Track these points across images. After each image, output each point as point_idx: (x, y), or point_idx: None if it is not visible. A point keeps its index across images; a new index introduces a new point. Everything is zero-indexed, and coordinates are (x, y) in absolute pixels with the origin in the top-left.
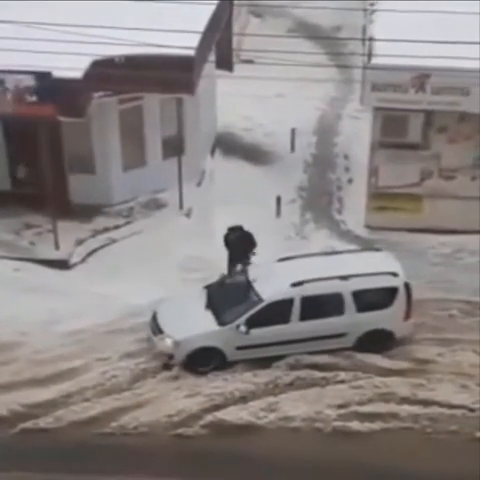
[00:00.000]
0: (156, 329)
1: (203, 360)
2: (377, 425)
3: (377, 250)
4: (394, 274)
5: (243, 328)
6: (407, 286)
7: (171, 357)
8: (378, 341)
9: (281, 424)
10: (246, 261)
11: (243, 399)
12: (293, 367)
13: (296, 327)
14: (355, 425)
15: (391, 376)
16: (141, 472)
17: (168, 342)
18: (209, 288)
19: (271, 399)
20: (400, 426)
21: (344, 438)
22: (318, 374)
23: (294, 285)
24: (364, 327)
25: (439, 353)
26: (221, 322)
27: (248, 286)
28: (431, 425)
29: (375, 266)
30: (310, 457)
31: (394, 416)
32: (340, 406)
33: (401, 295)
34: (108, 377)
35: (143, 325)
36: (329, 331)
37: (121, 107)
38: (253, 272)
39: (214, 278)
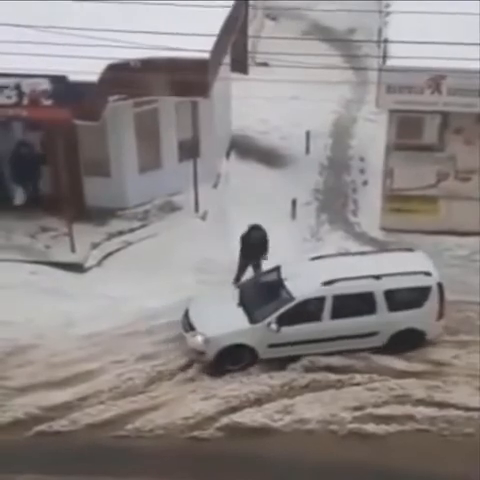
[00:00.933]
0: (188, 326)
1: (234, 358)
2: (393, 427)
3: (410, 250)
4: (427, 273)
5: (274, 326)
6: (440, 286)
7: (202, 354)
8: (409, 341)
9: (296, 426)
10: (258, 263)
11: (258, 401)
12: (308, 369)
13: (327, 325)
14: (371, 427)
15: (407, 378)
16: (156, 474)
17: (199, 339)
18: (241, 286)
19: (286, 401)
20: (416, 428)
21: (359, 440)
22: (333, 376)
23: (326, 284)
24: (396, 326)
25: (455, 355)
26: (253, 320)
27: (280, 284)
28: (447, 428)
29: (408, 265)
30: (325, 459)
31: (410, 418)
32: (355, 408)
33: (434, 295)
34: (124, 379)
35: (159, 327)
36: (360, 330)
37: (136, 110)
38: (285, 270)
39: (230, 281)
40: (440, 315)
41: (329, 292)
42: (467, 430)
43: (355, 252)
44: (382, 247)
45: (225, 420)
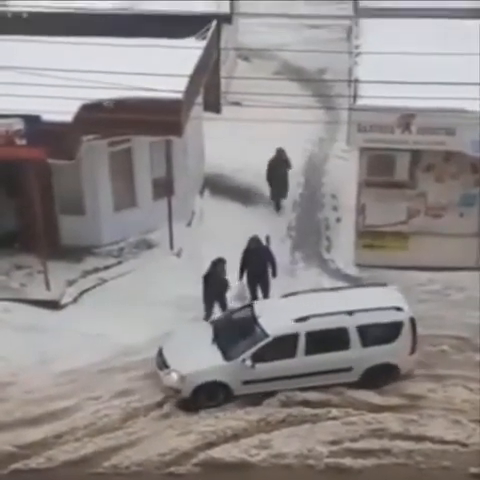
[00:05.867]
0: (162, 364)
1: (210, 394)
2: (370, 461)
3: (382, 285)
4: (399, 309)
5: (249, 363)
6: (412, 321)
7: (177, 392)
8: (383, 375)
9: (274, 461)
10: (223, 301)
11: (235, 437)
12: (285, 404)
13: (302, 362)
14: (348, 461)
15: (383, 412)
16: None
17: (174, 377)
18: (215, 323)
19: (263, 436)
20: (393, 462)
21: (337, 475)
22: (309, 411)
23: (299, 320)
24: (369, 361)
25: (430, 389)
26: (227, 357)
27: (253, 321)
28: (424, 461)
29: (380, 301)
30: None
31: (387, 452)
32: (332, 442)
33: (406, 329)
34: (100, 416)
35: (135, 364)
36: (335, 365)
37: (111, 149)
38: (258, 307)
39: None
40: (413, 349)
41: (302, 328)
42: (444, 463)
43: (327, 288)
44: (356, 283)
45: (202, 456)
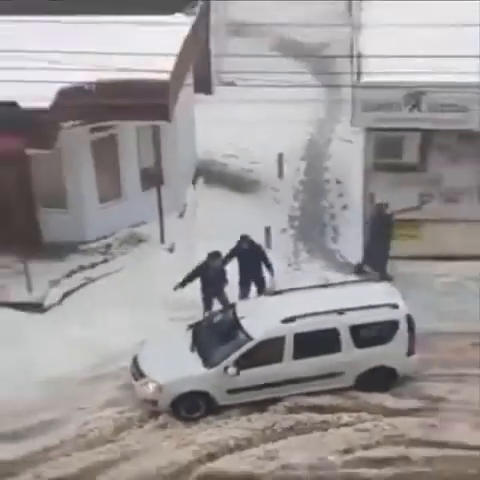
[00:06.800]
0: (137, 374)
1: (190, 406)
2: (387, 471)
3: (375, 281)
4: (394, 306)
5: (232, 370)
6: (409, 319)
7: (155, 403)
8: (380, 379)
9: (281, 474)
10: (223, 296)
11: (239, 447)
12: (292, 410)
13: (290, 367)
14: (363, 472)
15: (399, 416)
16: None
17: (150, 387)
18: (194, 327)
19: (269, 446)
20: (413, 471)
21: None
22: (319, 417)
23: (285, 321)
24: (364, 365)
25: (451, 390)
26: (208, 364)
27: (236, 324)
28: (448, 469)
29: (373, 298)
30: None
31: (405, 460)
32: (345, 451)
33: (402, 329)
34: (90, 428)
35: (126, 370)
36: (326, 370)
37: (93, 137)
38: (241, 308)
39: (199, 317)
40: (411, 350)
41: (289, 330)
42: (470, 471)
43: (316, 285)
44: (367, 277)
45: (203, 469)
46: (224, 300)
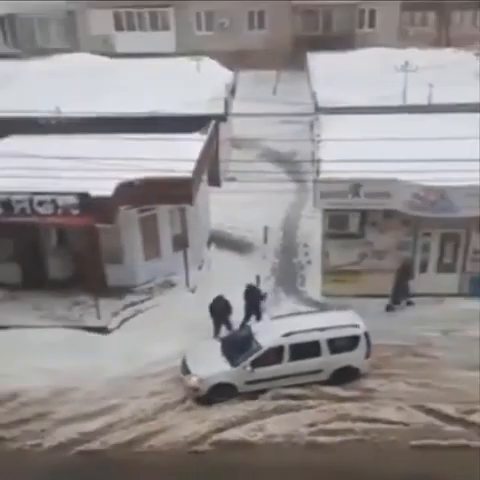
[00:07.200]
0: (185, 370)
1: (220, 392)
2: (338, 438)
3: (344, 310)
4: (357, 326)
5: (249, 368)
6: (366, 334)
7: (197, 390)
8: (347, 375)
9: (267, 440)
10: (228, 323)
11: (239, 423)
12: (275, 398)
13: (286, 366)
14: (322, 439)
15: (346, 402)
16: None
17: (194, 379)
18: (223, 339)
19: (259, 422)
20: (355, 438)
21: (314, 449)
22: (293, 402)
23: (285, 336)
24: (336, 365)
25: (380, 384)
26: (233, 364)
27: (251, 337)
28: (377, 437)
29: (343, 320)
30: (289, 464)
31: (350, 431)
32: (310, 425)
33: (362, 341)
34: (140, 410)
35: (164, 371)
36: (310, 368)
37: (141, 215)
38: (254, 327)
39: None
40: (368, 355)
41: (287, 342)
42: (391, 438)
43: (304, 312)
44: (323, 308)
45: (215, 437)
46: (229, 325)
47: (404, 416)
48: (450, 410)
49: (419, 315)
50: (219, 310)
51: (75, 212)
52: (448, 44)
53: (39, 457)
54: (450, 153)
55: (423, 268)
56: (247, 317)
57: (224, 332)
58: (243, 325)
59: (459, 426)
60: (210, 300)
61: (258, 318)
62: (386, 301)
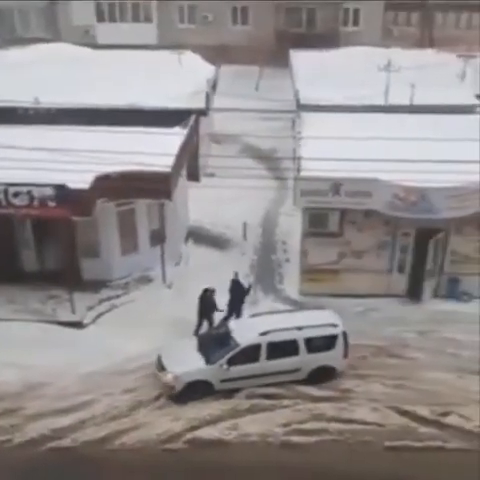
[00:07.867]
0: (160, 367)
1: (196, 390)
2: (313, 438)
3: (322, 308)
4: (334, 325)
5: (225, 366)
6: (344, 334)
7: (172, 388)
8: (324, 374)
9: (242, 439)
10: (211, 319)
11: (213, 421)
12: (249, 397)
13: (263, 365)
14: (296, 439)
15: (322, 402)
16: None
17: (170, 376)
18: (199, 336)
19: (234, 421)
20: (330, 438)
21: (289, 448)
22: (268, 402)
23: (262, 334)
24: (314, 364)
25: (356, 384)
26: (209, 361)
27: (228, 334)
28: (352, 437)
29: (320, 319)
30: (264, 464)
31: (325, 431)
32: (285, 425)
33: (340, 340)
34: (113, 407)
35: (138, 368)
36: (288, 367)
37: (118, 209)
38: (232, 324)
39: (189, 333)
40: (345, 355)
41: (264, 340)
42: (366, 438)
43: (282, 310)
44: (301, 307)
45: (189, 436)
46: (211, 322)
47: (379, 417)
48: (425, 412)
49: (396, 316)
50: (207, 302)
51: (51, 204)
52: (431, 45)
53: (8, 453)
54: (431, 154)
55: (401, 269)
56: (230, 312)
57: (205, 329)
58: (225, 320)
59: (434, 428)
60: (186, 296)
61: (238, 315)
62: (364, 301)
